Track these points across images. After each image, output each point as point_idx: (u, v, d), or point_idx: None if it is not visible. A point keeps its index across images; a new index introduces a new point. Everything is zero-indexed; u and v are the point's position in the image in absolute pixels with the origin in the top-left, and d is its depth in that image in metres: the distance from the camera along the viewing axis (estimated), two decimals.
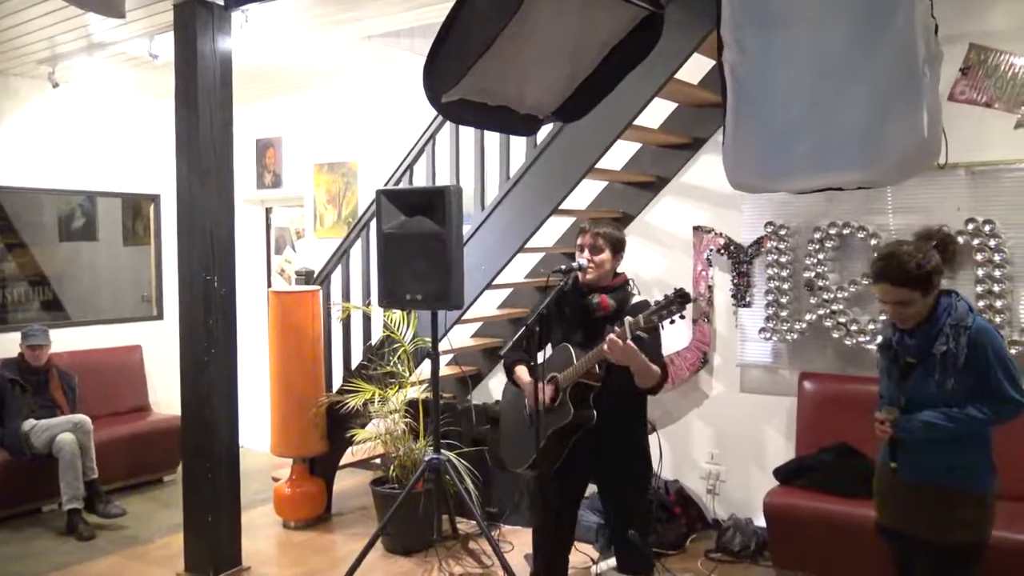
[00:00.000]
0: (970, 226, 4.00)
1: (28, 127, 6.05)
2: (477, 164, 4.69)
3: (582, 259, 3.22)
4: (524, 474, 3.54)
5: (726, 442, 4.89)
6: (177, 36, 4.10)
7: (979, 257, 3.98)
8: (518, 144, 4.54)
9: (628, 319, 2.95)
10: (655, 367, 3.05)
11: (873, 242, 4.25)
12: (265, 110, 6.82)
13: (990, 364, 2.60)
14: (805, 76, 2.28)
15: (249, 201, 7.13)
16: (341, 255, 5.24)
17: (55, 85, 5.77)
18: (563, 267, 3.20)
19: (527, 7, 2.32)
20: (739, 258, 4.66)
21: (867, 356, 4.37)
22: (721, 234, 4.74)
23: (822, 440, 4.29)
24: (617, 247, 3.27)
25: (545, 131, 4.40)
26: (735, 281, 4.68)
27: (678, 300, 2.88)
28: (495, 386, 5.70)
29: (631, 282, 3.33)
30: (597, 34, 2.64)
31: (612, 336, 2.92)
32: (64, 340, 5.95)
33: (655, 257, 5.02)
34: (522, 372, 3.37)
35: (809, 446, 4.35)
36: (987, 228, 3.96)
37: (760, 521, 4.45)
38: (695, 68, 4.34)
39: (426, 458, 4.37)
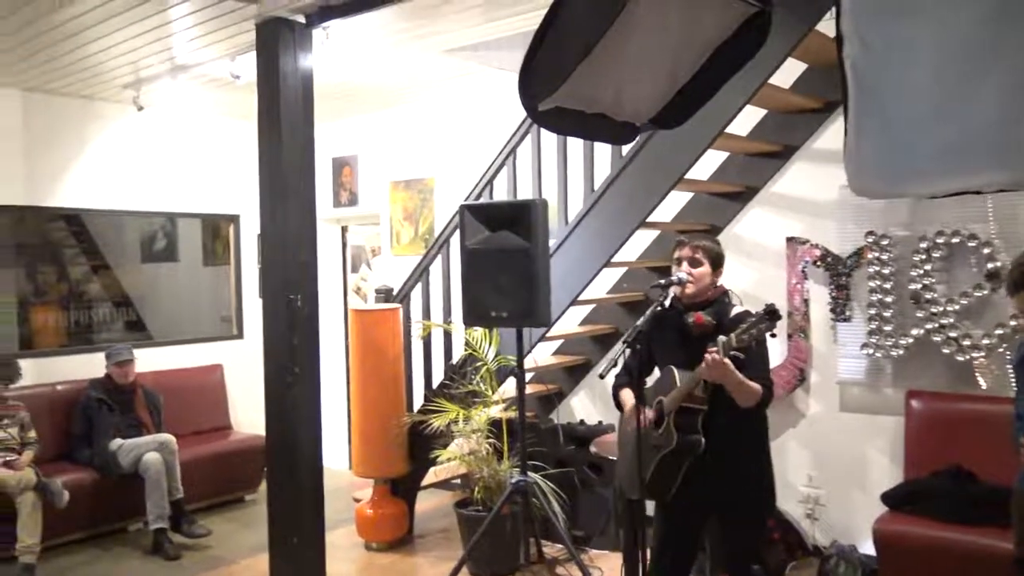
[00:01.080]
0: None
1: (112, 150, 6.17)
2: (560, 177, 4.57)
3: (681, 273, 3.06)
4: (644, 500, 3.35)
5: (825, 464, 4.65)
6: (259, 55, 4.09)
7: None
8: (602, 156, 4.41)
9: (721, 338, 2.80)
10: (755, 385, 2.88)
11: (986, 251, 3.99)
12: (341, 128, 6.84)
13: None
14: (933, 68, 2.09)
15: (326, 220, 7.14)
16: (421, 272, 5.17)
17: (139, 108, 5.86)
18: (662, 281, 3.04)
19: (630, 7, 2.20)
20: (837, 270, 4.43)
21: (981, 373, 4.10)
22: (817, 245, 4.52)
23: (932, 463, 4.03)
24: (717, 261, 3.11)
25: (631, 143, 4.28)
26: (833, 294, 4.45)
27: (767, 318, 2.72)
28: (577, 405, 5.55)
29: (730, 292, 3.15)
30: (701, 35, 2.49)
31: (710, 355, 2.76)
32: (147, 360, 6.02)
33: (745, 271, 4.81)
34: (627, 396, 3.21)
35: (918, 469, 4.09)
36: None
37: (865, 548, 4.21)
38: (785, 73, 4.16)
39: (512, 480, 4.24)
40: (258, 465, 5.94)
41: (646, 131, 2.81)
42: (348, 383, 6.32)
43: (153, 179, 6.41)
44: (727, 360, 2.77)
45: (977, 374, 4.09)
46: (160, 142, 6.44)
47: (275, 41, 4.02)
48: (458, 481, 5.52)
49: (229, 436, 6.37)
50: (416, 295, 5.23)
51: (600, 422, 5.10)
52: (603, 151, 4.40)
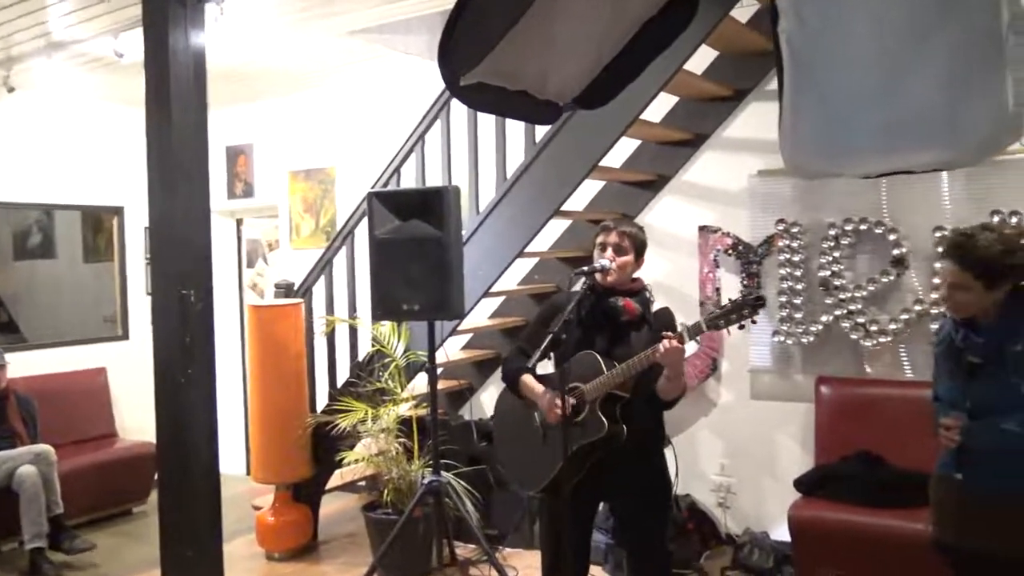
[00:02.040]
0: (996, 218, 3.82)
1: None
2: (471, 164, 4.41)
3: (605, 260, 2.96)
4: (536, 496, 3.28)
5: (737, 453, 4.66)
6: (146, 31, 3.77)
7: None
8: (514, 142, 4.29)
9: (683, 323, 2.77)
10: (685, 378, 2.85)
11: (891, 237, 4.07)
12: (236, 115, 6.47)
13: None
14: (871, 45, 2.04)
15: (220, 212, 6.76)
16: (324, 265, 4.92)
17: (10, 90, 5.38)
18: (585, 268, 2.93)
19: None
20: (748, 258, 4.45)
21: (887, 357, 4.18)
22: (728, 233, 4.52)
23: (842, 448, 4.08)
24: (640, 250, 3.04)
25: (545, 129, 4.17)
26: (745, 282, 4.46)
27: (752, 303, 2.68)
28: (488, 400, 5.41)
29: (648, 288, 3.10)
30: (628, 10, 2.38)
31: (670, 341, 2.69)
32: (21, 365, 5.52)
33: (657, 260, 4.73)
34: (532, 382, 3.06)
35: (829, 454, 4.13)
36: (1013, 220, 3.79)
37: (776, 535, 4.24)
38: (697, 60, 4.12)
39: (424, 481, 4.07)
40: (147, 474, 5.55)
41: (568, 111, 2.68)
42: (245, 384, 6.01)
43: (27, 168, 5.89)
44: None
45: (898, 359, 4.18)
46: (34, 128, 5.93)
47: (163, 16, 3.70)
48: (364, 483, 5.31)
49: (114, 444, 5.94)
50: (319, 289, 4.98)
51: None
52: (515, 138, 4.28)
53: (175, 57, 3.72)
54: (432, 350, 4.04)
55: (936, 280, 3.94)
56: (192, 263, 3.82)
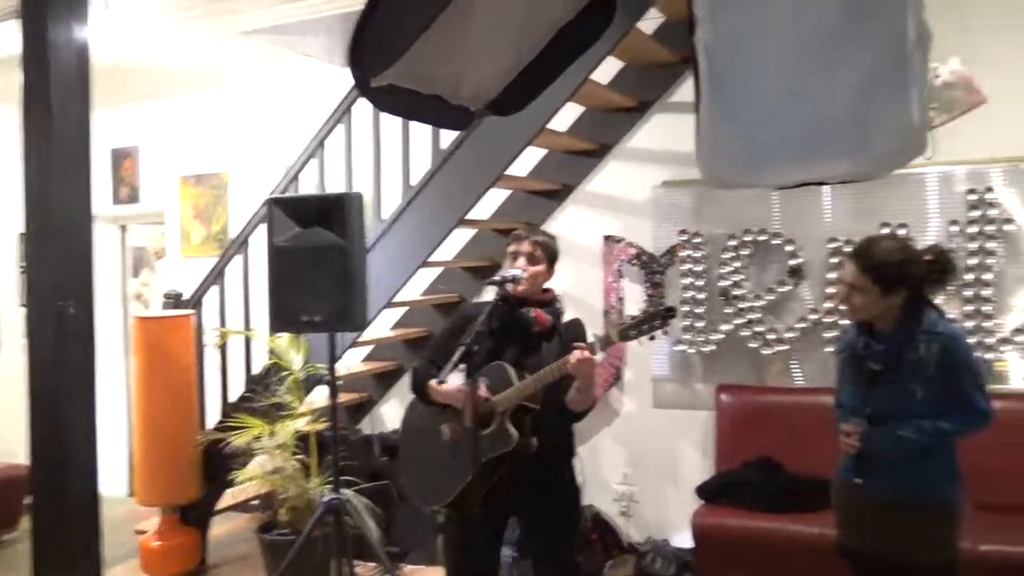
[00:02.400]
0: (885, 230, 3.98)
1: None
2: (374, 171, 4.30)
3: (516, 269, 2.91)
4: (439, 511, 3.20)
5: (639, 461, 4.69)
6: (24, 23, 3.51)
7: None
8: (419, 149, 4.20)
9: (595, 334, 2.77)
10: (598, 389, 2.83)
11: (789, 248, 4.18)
12: (121, 116, 6.10)
13: (960, 373, 2.49)
14: (785, 55, 2.05)
15: (103, 219, 6.38)
16: (217, 274, 4.69)
17: None
18: (497, 278, 2.88)
19: None
20: (652, 268, 4.49)
21: (784, 366, 4.29)
22: (632, 244, 4.56)
23: (743, 454, 4.15)
24: (552, 259, 3.04)
25: (450, 136, 4.10)
26: (649, 292, 4.50)
27: (663, 315, 2.70)
28: (388, 413, 5.27)
29: (559, 299, 3.08)
30: (545, 14, 2.34)
31: (582, 352, 2.66)
32: None
33: (561, 269, 4.72)
34: (443, 386, 2.93)
35: (730, 461, 4.20)
36: (902, 232, 3.95)
37: (677, 542, 4.28)
38: (602, 70, 4.14)
39: (323, 499, 3.91)
40: (17, 498, 5.15)
41: (481, 116, 2.62)
42: (129, 400, 5.68)
43: None
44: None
45: (791, 367, 4.29)
46: None
47: (43, 6, 3.46)
48: (258, 503, 5.08)
49: None
50: (211, 300, 4.74)
51: None
52: (419, 144, 4.19)
53: (56, 51, 3.48)
54: (333, 362, 3.90)
55: (830, 290, 4.07)
56: (71, 272, 3.56)
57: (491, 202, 4.83)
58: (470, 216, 4.29)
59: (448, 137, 4.10)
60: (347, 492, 4.02)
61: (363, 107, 4.07)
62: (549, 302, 3.03)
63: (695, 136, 2.16)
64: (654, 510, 4.63)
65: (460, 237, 4.92)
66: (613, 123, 4.59)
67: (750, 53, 2.08)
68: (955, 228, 3.93)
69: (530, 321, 2.88)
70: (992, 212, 3.85)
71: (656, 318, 2.70)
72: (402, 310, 5.09)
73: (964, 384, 2.48)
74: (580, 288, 4.59)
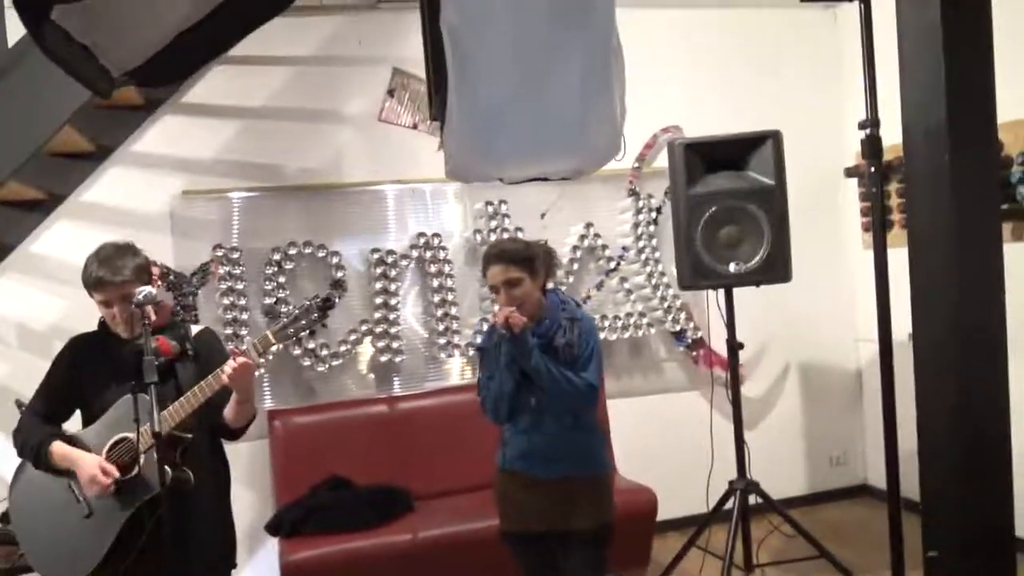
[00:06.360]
0: (422, 240, 4.18)
1: None
2: None
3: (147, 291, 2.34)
4: None
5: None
6: None
7: (432, 269, 4.20)
8: None
9: (249, 339, 2.63)
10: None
11: (334, 260, 4.08)
12: None
13: (590, 353, 2.76)
14: (516, 47, 2.05)
15: None
16: None
17: None
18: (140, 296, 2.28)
19: None
20: (183, 289, 3.90)
21: (337, 380, 4.16)
22: (155, 263, 3.88)
23: (308, 479, 3.89)
24: (149, 278, 2.54)
25: None
26: (180, 316, 3.90)
27: (320, 306, 2.48)
28: None
29: (179, 314, 2.62)
30: None
31: (238, 359, 2.30)
32: None
33: (48, 299, 3.85)
34: (66, 449, 2.41)
35: (294, 490, 3.88)
36: (436, 241, 4.20)
37: None
38: None
39: None
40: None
41: (121, 84, 1.99)
42: None
43: None
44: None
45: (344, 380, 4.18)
46: None
47: None
48: None
49: None
50: None
51: None
52: None
53: None
54: None
55: (378, 300, 4.11)
56: None
57: None
58: None
59: None
60: None
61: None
62: (167, 325, 2.52)
63: (441, 125, 2.00)
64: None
65: None
66: (115, 121, 3.87)
67: (489, 40, 2.02)
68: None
69: (153, 351, 2.32)
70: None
71: (312, 312, 2.49)
72: None
73: (590, 363, 2.72)
74: (76, 321, 3.69)
